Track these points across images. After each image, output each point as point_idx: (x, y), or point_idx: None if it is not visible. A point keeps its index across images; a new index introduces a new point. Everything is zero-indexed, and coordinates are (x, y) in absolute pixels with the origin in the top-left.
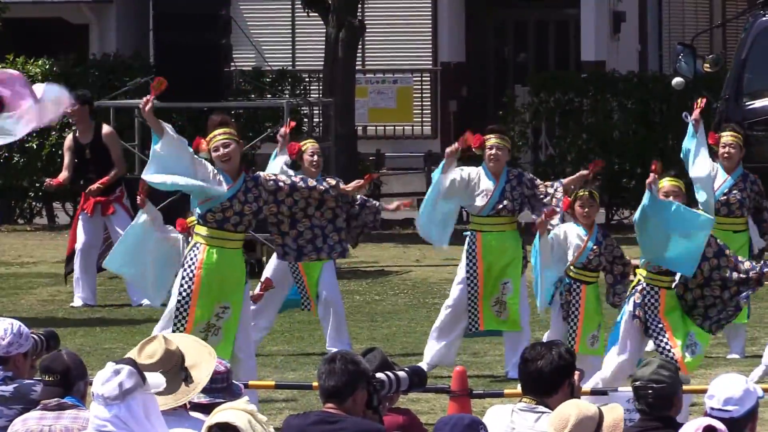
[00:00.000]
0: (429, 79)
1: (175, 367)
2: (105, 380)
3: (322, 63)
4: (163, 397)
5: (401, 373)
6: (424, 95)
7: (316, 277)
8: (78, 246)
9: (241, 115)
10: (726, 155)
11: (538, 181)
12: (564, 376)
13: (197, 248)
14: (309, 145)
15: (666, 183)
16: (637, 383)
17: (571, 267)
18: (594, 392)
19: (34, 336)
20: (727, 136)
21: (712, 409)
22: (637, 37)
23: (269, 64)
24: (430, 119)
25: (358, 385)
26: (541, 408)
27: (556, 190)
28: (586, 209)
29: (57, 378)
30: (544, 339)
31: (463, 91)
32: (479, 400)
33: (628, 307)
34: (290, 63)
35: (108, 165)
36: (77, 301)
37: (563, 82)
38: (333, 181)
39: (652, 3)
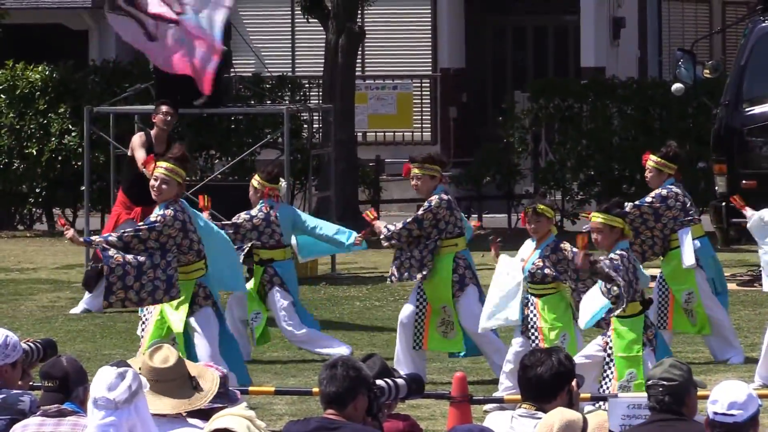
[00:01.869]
0: (429, 85)
1: (185, 375)
2: (112, 385)
3: (322, 69)
4: (178, 402)
5: (400, 381)
6: (423, 101)
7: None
8: None
9: (241, 121)
10: (646, 178)
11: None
12: (563, 383)
13: None
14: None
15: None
16: (648, 382)
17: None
18: (594, 398)
19: (30, 344)
20: (650, 161)
21: (716, 413)
22: (637, 43)
23: (269, 70)
24: (429, 125)
25: (359, 392)
26: (541, 414)
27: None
28: (532, 225)
29: (56, 384)
30: (510, 354)
31: (462, 97)
32: (479, 406)
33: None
34: (290, 69)
35: None
36: (80, 307)
37: (563, 88)
38: None
39: (652, 9)
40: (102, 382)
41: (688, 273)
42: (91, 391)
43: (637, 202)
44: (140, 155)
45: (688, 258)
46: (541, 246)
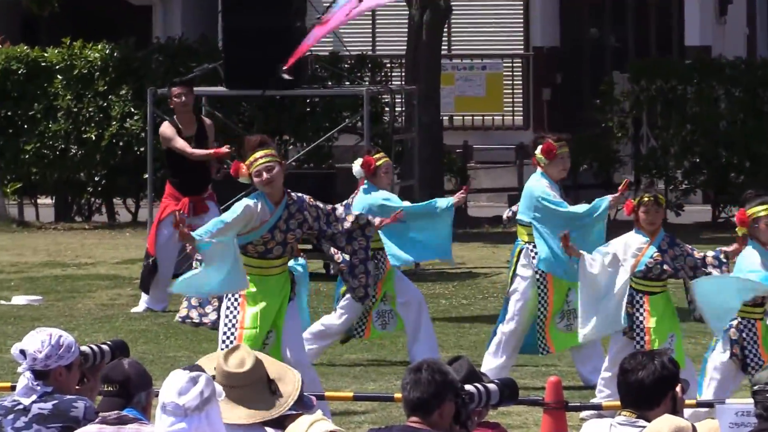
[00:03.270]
0: (520, 65)
1: (262, 379)
2: (183, 390)
3: (405, 47)
4: (254, 411)
5: (491, 385)
6: (515, 83)
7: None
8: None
9: (317, 104)
10: None
11: None
12: (667, 388)
13: None
14: (383, 162)
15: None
16: (755, 387)
17: (632, 277)
18: (700, 404)
19: (92, 347)
20: None
21: None
22: (745, 20)
23: (347, 48)
24: (521, 108)
25: (446, 398)
26: (642, 422)
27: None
28: (651, 216)
29: (116, 388)
30: (608, 360)
31: (557, 78)
32: (575, 413)
33: (720, 345)
34: (370, 47)
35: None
36: (141, 305)
37: (665, 69)
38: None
39: None
40: (172, 386)
41: None
42: (160, 396)
43: None
44: (180, 143)
45: None
46: (656, 240)
